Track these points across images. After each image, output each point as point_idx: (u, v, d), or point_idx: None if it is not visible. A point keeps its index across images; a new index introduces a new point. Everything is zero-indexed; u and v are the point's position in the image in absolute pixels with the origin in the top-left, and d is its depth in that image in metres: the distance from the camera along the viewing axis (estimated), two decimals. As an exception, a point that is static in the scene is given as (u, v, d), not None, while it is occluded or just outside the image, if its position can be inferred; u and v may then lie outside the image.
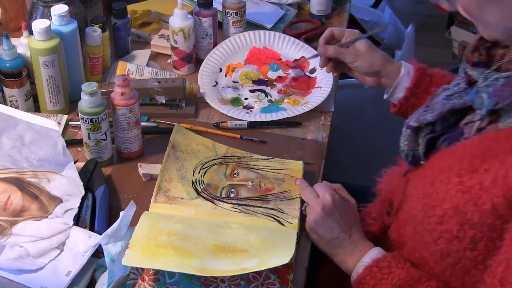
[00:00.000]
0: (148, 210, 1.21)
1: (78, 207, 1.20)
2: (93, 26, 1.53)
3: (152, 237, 1.09)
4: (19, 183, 1.24)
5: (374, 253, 1.13)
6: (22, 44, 1.42)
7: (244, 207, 1.24)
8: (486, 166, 0.95)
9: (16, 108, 1.43)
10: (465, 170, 0.98)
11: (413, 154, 1.16)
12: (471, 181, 0.96)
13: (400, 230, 1.14)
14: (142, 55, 1.68)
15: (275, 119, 1.47)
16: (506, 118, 1.01)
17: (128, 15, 1.65)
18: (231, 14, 1.66)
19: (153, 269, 1.07)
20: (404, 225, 1.12)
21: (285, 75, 1.62)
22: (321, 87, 1.57)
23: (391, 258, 1.10)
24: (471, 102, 1.08)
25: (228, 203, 1.24)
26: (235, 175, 1.31)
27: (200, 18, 1.61)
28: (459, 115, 1.10)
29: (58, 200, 1.21)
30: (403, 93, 1.39)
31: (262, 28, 1.77)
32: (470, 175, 0.97)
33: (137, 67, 1.58)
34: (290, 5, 1.89)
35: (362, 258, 1.13)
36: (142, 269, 1.07)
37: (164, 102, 1.48)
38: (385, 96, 1.44)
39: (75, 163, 1.29)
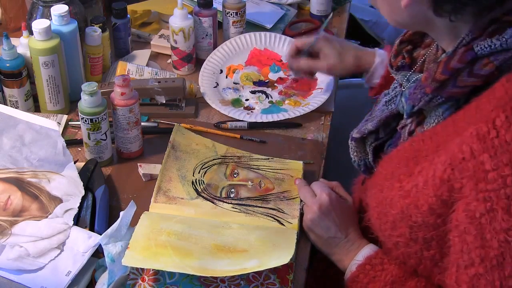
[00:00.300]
0: (148, 210, 1.21)
1: (78, 207, 1.19)
2: (93, 26, 1.53)
3: (152, 237, 1.09)
4: (19, 183, 1.24)
5: (366, 250, 1.13)
6: (22, 44, 1.42)
7: (244, 207, 1.24)
8: (419, 168, 0.96)
9: (16, 108, 1.42)
10: (404, 174, 0.99)
11: (364, 164, 1.19)
12: (409, 184, 0.97)
13: (368, 237, 1.15)
14: (142, 55, 1.68)
15: (276, 120, 1.47)
16: (428, 119, 1.03)
17: (128, 15, 1.65)
18: (231, 14, 1.66)
19: (153, 269, 1.07)
20: (372, 233, 1.12)
21: (286, 76, 1.62)
22: (322, 88, 1.56)
23: (383, 254, 1.10)
24: (397, 107, 1.10)
25: (228, 203, 1.24)
26: (235, 175, 1.30)
27: (200, 18, 1.61)
28: (399, 119, 1.11)
29: (58, 200, 1.21)
30: (379, 80, 1.41)
31: (262, 28, 1.77)
32: (407, 179, 0.98)
33: (137, 67, 1.58)
34: (290, 5, 1.89)
35: (355, 256, 1.13)
36: (142, 269, 1.07)
37: (164, 102, 1.48)
38: (364, 83, 1.47)
39: (75, 163, 1.29)
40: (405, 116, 1.08)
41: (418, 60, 1.12)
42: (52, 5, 1.42)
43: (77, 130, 1.43)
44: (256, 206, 1.24)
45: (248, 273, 1.08)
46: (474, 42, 0.94)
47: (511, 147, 0.84)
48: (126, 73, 1.55)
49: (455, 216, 0.90)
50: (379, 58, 1.42)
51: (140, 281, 1.06)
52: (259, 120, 1.46)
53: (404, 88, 1.09)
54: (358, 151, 1.19)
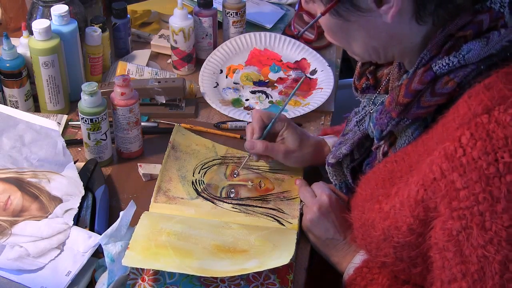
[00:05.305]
0: (148, 210, 1.21)
1: (78, 207, 1.19)
2: (93, 26, 1.53)
3: (152, 238, 1.09)
4: (19, 183, 1.24)
5: (363, 253, 1.13)
6: (22, 44, 1.42)
7: (244, 207, 1.24)
8: (395, 189, 0.97)
9: (16, 108, 1.42)
10: (382, 195, 1.00)
11: (345, 185, 1.19)
12: (387, 206, 0.97)
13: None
14: (142, 55, 1.68)
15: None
16: (399, 140, 1.03)
17: (128, 15, 1.65)
18: (231, 14, 1.66)
19: (153, 269, 1.07)
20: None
21: (286, 76, 1.62)
22: (322, 88, 1.56)
23: None
24: (366, 130, 1.10)
25: (228, 203, 1.24)
26: (235, 175, 1.30)
27: (200, 18, 1.61)
28: (372, 139, 1.11)
29: (58, 200, 1.21)
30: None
31: (262, 28, 1.77)
32: (386, 201, 0.98)
33: (137, 67, 1.58)
34: (290, 5, 1.89)
35: (353, 259, 1.13)
36: (142, 269, 1.07)
37: (164, 102, 1.48)
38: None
39: (75, 163, 1.29)
40: (375, 141, 1.08)
41: (383, 80, 1.12)
42: (52, 5, 1.42)
43: (77, 130, 1.43)
44: (256, 206, 1.24)
45: (248, 273, 1.08)
46: (432, 61, 0.94)
47: (479, 164, 0.84)
48: (126, 73, 1.55)
49: (433, 234, 0.90)
50: (331, 144, 1.31)
51: (140, 281, 1.06)
52: (259, 120, 1.46)
53: (371, 111, 1.09)
54: (337, 174, 1.20)
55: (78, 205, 1.20)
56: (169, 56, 1.66)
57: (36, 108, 1.47)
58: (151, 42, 1.71)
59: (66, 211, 1.19)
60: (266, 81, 1.61)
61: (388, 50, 1.00)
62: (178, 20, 1.56)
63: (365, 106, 1.14)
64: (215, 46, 1.66)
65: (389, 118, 1.00)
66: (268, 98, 1.55)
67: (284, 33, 1.74)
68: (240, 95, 1.56)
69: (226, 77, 1.61)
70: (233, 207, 1.23)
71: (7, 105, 1.42)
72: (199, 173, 1.30)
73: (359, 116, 1.15)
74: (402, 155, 1.00)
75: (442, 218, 0.88)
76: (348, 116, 1.22)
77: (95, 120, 1.28)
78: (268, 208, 1.24)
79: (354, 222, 1.09)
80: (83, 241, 1.13)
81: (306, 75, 1.60)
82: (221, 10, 1.68)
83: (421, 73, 0.94)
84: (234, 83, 1.60)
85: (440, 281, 0.91)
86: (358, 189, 1.10)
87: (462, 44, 0.92)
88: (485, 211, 0.84)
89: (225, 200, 1.25)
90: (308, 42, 1.70)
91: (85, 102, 1.27)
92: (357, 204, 1.08)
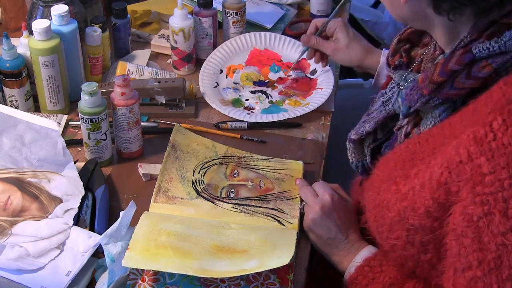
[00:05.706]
0: (148, 210, 1.21)
1: (78, 207, 1.20)
2: (93, 26, 1.53)
3: (152, 238, 1.09)
4: (19, 183, 1.24)
5: (365, 252, 1.13)
6: (22, 44, 1.42)
7: (244, 207, 1.24)
8: (415, 170, 0.96)
9: (16, 108, 1.42)
10: (400, 177, 0.99)
11: (362, 165, 1.19)
12: (405, 187, 0.96)
13: (366, 238, 1.15)
14: (142, 55, 1.68)
15: (276, 120, 1.47)
16: (424, 121, 1.03)
17: (128, 15, 1.65)
18: (231, 14, 1.66)
19: (153, 270, 1.07)
20: (369, 234, 1.12)
21: (286, 76, 1.62)
22: (322, 88, 1.56)
23: (382, 256, 1.10)
24: (393, 108, 1.10)
25: (228, 203, 1.24)
26: (235, 175, 1.30)
27: (200, 18, 1.61)
28: (396, 120, 1.11)
29: (58, 200, 1.21)
30: (385, 80, 1.40)
31: (262, 28, 1.77)
32: (404, 182, 0.97)
33: (137, 67, 1.58)
34: (290, 5, 1.89)
35: (354, 258, 1.13)
36: (142, 269, 1.07)
37: (164, 102, 1.48)
38: (372, 85, 1.46)
39: (75, 163, 1.29)
40: (401, 117, 1.08)
41: (416, 59, 1.12)
42: (52, 5, 1.42)
43: (77, 130, 1.43)
44: (256, 206, 1.24)
45: (248, 274, 1.08)
46: (472, 44, 0.94)
47: (508, 150, 0.84)
48: (126, 73, 1.55)
49: (452, 220, 0.89)
50: (384, 57, 1.40)
51: (140, 281, 1.06)
52: (259, 120, 1.46)
53: (401, 87, 1.09)
54: (356, 152, 1.19)
55: (78, 205, 1.20)
56: (169, 56, 1.66)
57: (36, 108, 1.47)
58: (151, 42, 1.71)
59: (66, 211, 1.19)
60: (266, 81, 1.61)
61: (414, 24, 1.04)
62: (178, 20, 1.56)
63: (393, 87, 1.14)
64: (215, 46, 1.66)
65: (420, 95, 1.00)
66: (268, 98, 1.55)
67: (284, 33, 1.74)
68: (240, 95, 1.56)
69: (226, 77, 1.61)
70: (233, 207, 1.23)
71: (7, 105, 1.42)
72: (199, 173, 1.30)
73: (386, 97, 1.15)
74: (426, 137, 0.99)
75: (462, 203, 0.87)
76: (374, 97, 1.22)
77: (95, 120, 1.28)
78: (268, 208, 1.24)
79: (367, 204, 1.08)
80: (83, 241, 1.13)
81: (306, 75, 1.60)
82: (221, 10, 1.68)
83: (460, 54, 0.95)
84: (234, 83, 1.60)
85: (454, 269, 0.90)
86: (375, 170, 1.09)
87: (505, 31, 0.93)
88: (509, 198, 0.83)
89: (225, 200, 1.25)
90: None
91: (85, 102, 1.27)
92: (373, 185, 1.07)
